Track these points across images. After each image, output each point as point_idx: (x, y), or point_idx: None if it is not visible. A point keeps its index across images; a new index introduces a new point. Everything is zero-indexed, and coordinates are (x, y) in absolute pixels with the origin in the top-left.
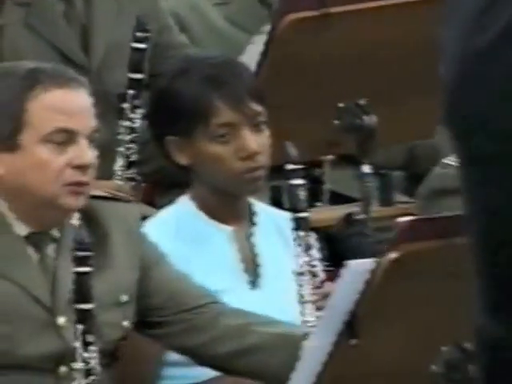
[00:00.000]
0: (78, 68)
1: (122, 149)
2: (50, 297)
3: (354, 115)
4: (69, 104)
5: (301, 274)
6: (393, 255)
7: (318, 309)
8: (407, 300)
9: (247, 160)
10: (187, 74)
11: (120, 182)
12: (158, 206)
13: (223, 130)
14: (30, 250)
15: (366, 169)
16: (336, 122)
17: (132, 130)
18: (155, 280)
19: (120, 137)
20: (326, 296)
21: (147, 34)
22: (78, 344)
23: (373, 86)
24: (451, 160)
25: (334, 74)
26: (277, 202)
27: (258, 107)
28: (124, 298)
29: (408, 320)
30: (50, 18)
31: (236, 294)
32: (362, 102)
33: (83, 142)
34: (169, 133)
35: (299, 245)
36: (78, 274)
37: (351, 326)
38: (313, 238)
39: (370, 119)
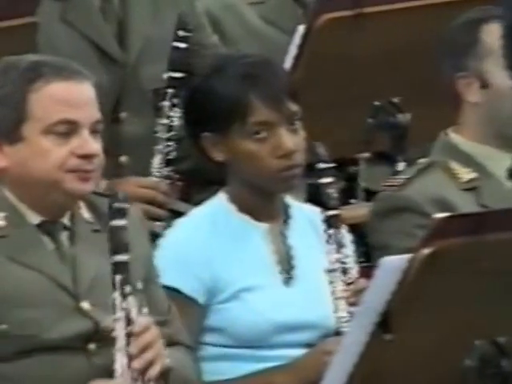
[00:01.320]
0: (115, 63)
1: (159, 146)
2: (72, 283)
3: (388, 113)
4: (71, 95)
5: (332, 271)
6: (427, 251)
7: (351, 305)
8: (441, 295)
9: (283, 158)
10: (224, 72)
11: (157, 179)
12: (194, 203)
13: (260, 128)
14: (45, 239)
15: (401, 166)
16: (370, 120)
17: (170, 128)
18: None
19: (158, 134)
20: (358, 292)
21: (189, 34)
22: (116, 294)
23: (407, 85)
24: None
25: (369, 73)
26: (314, 200)
27: (294, 106)
28: (139, 285)
29: (442, 315)
30: (86, 13)
31: (270, 291)
32: (395, 100)
33: (86, 133)
34: (205, 130)
35: (331, 242)
36: (113, 227)
37: (385, 321)
38: (346, 235)
39: (404, 117)
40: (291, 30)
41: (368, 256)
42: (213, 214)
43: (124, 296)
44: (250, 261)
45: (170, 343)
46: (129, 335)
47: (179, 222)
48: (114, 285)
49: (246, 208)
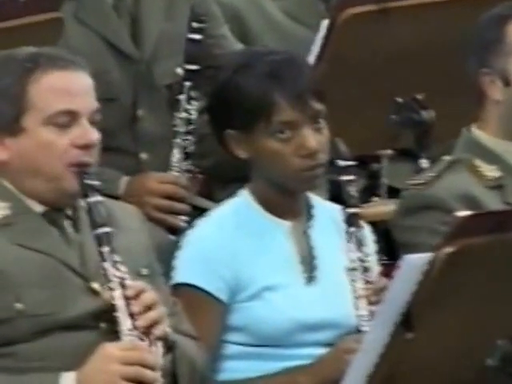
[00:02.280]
0: (129, 60)
1: (178, 140)
2: (80, 266)
3: (411, 110)
4: (69, 85)
5: (353, 269)
6: (449, 249)
7: (372, 303)
8: (463, 294)
9: (307, 158)
10: (250, 69)
11: (177, 174)
12: (217, 200)
13: (284, 127)
14: (50, 227)
15: (424, 163)
16: (393, 116)
17: (188, 121)
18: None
19: (176, 128)
20: (379, 291)
21: (203, 25)
22: (107, 264)
23: (431, 81)
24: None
25: (392, 69)
26: (335, 197)
27: (318, 106)
28: (144, 271)
29: (464, 314)
30: (99, 11)
31: (292, 290)
32: (419, 96)
33: (85, 122)
34: (229, 126)
35: (351, 241)
36: (90, 203)
37: (407, 320)
38: (367, 233)
39: (428, 114)
40: (313, 25)
41: (391, 253)
42: (236, 211)
43: (115, 264)
44: (272, 259)
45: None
46: (127, 298)
47: (202, 220)
48: (102, 256)
49: (269, 206)
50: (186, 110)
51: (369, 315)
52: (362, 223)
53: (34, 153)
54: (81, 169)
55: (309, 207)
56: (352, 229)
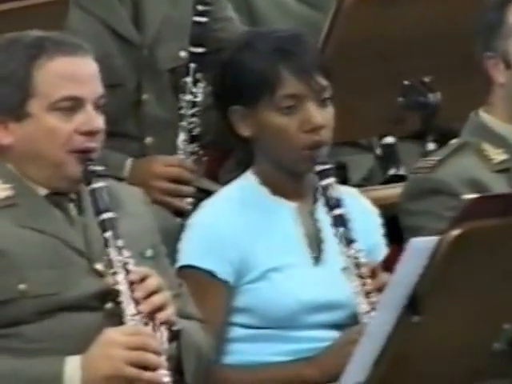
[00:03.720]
0: (131, 45)
1: (184, 123)
2: (85, 247)
3: (418, 93)
4: (75, 71)
5: (346, 268)
6: (456, 232)
7: (372, 297)
8: (469, 277)
9: (311, 133)
10: (255, 46)
11: (182, 157)
12: (223, 182)
13: (289, 101)
14: (53, 208)
15: (431, 146)
16: (400, 99)
17: (194, 104)
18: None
19: (182, 111)
20: (381, 287)
21: (208, 8)
22: (111, 249)
23: (437, 64)
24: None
25: (399, 52)
26: (341, 178)
27: (324, 82)
28: (149, 252)
29: (470, 297)
30: None
31: (299, 271)
32: (426, 79)
33: (90, 109)
34: (234, 103)
35: (340, 241)
36: (93, 189)
37: (414, 303)
38: (374, 217)
39: (435, 97)
40: (325, 7)
41: (399, 237)
42: (241, 193)
43: (119, 250)
44: (278, 240)
45: (182, 316)
46: (131, 283)
47: (208, 202)
48: (106, 242)
49: (274, 187)
50: (192, 93)
51: (370, 310)
52: (370, 207)
53: (38, 138)
54: (84, 155)
55: (314, 190)
56: (340, 229)
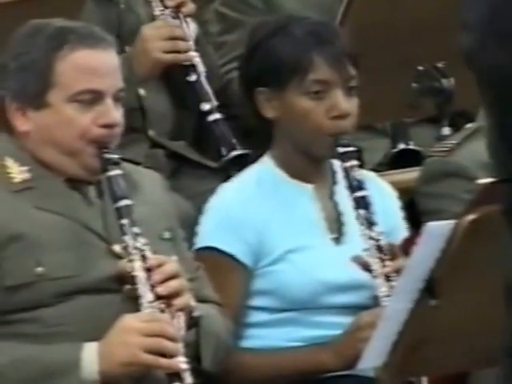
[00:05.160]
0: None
1: None
2: (102, 229)
3: (432, 78)
4: (96, 64)
5: (366, 249)
6: (472, 217)
7: (391, 280)
8: (486, 261)
9: (337, 120)
10: (288, 31)
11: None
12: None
13: (318, 86)
14: (71, 191)
15: (446, 131)
16: (414, 84)
17: None
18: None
19: None
20: (399, 270)
21: None
22: (128, 237)
23: (451, 49)
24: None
25: (413, 38)
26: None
27: (352, 71)
28: (166, 234)
29: (487, 281)
30: None
31: (319, 251)
32: (440, 65)
33: (109, 102)
34: (261, 84)
35: (362, 223)
36: (109, 177)
37: (430, 287)
38: (392, 200)
39: (448, 82)
40: None
41: (417, 221)
42: (259, 176)
43: (135, 237)
44: (297, 222)
45: (199, 299)
46: (148, 270)
47: (225, 186)
48: (121, 229)
49: (292, 170)
50: None
51: (388, 293)
52: (389, 189)
53: (56, 127)
54: (101, 146)
55: (333, 173)
56: (361, 211)
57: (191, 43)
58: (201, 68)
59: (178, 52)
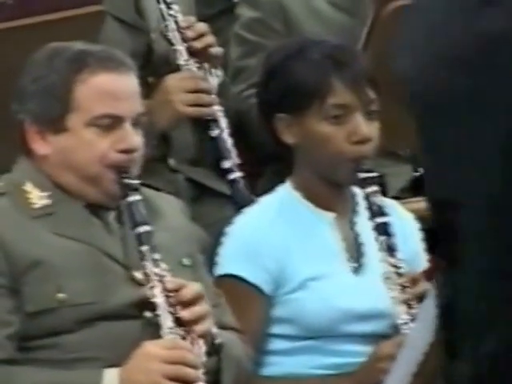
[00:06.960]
0: (137, 30)
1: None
2: (122, 255)
3: None
4: (116, 89)
5: (387, 278)
6: None
7: (412, 308)
8: None
9: (358, 145)
10: (306, 54)
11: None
12: (259, 194)
13: (338, 111)
14: (92, 217)
15: None
16: None
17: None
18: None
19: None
20: (420, 295)
21: None
22: (148, 263)
23: None
24: None
25: None
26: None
27: (372, 94)
28: (186, 261)
29: None
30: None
31: (338, 279)
32: None
33: (128, 127)
34: (280, 110)
35: (383, 249)
36: (129, 203)
37: None
38: (411, 224)
39: None
40: (361, 14)
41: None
42: (280, 203)
43: (155, 263)
44: (317, 249)
45: (220, 326)
46: (168, 296)
47: (245, 213)
48: (141, 255)
49: (313, 197)
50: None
51: (409, 321)
52: (409, 216)
53: (75, 151)
54: (120, 171)
55: (354, 202)
56: (382, 238)
57: (215, 97)
58: (223, 124)
59: (201, 105)
